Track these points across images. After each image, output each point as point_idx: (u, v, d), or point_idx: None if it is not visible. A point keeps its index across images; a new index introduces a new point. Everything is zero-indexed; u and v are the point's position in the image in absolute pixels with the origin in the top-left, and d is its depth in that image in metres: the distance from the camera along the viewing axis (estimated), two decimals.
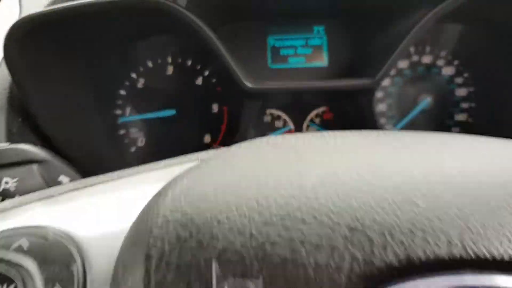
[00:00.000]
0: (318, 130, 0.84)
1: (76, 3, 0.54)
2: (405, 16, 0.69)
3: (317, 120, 0.87)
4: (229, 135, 0.84)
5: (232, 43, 0.76)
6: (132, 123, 0.84)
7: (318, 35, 0.84)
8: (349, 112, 0.79)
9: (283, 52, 0.85)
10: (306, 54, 0.85)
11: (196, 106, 0.84)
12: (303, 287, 0.17)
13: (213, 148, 0.82)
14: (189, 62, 0.84)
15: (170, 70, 0.84)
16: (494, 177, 0.21)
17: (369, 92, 0.72)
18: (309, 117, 0.86)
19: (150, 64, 0.84)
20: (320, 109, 0.86)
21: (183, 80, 0.84)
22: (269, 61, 0.84)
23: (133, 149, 0.84)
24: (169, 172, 0.29)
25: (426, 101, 0.82)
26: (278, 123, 0.86)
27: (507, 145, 0.25)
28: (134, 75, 0.84)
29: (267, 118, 0.85)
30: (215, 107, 0.86)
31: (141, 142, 0.85)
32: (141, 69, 0.84)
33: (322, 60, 0.85)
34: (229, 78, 0.69)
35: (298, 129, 0.85)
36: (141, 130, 0.84)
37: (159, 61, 0.83)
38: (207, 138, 0.85)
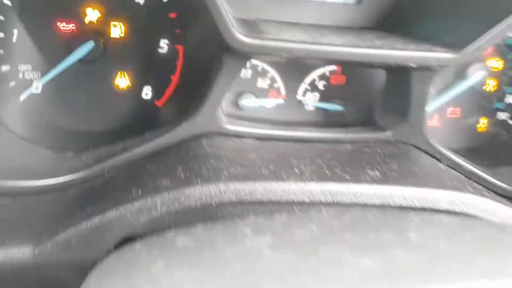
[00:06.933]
0: (317, 102, 0.72)
1: None
2: None
3: (320, 84, 0.71)
4: (181, 91, 0.67)
5: None
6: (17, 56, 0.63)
7: None
8: (395, 88, 0.65)
9: None
10: None
11: (132, 38, 0.65)
12: None
13: (154, 110, 0.68)
14: None
15: None
16: None
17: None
18: (309, 78, 0.70)
19: None
20: (327, 69, 0.70)
21: None
22: None
23: (23, 96, 0.64)
24: None
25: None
26: (262, 82, 0.69)
27: None
28: None
29: (247, 73, 0.68)
30: (163, 45, 0.66)
31: (36, 88, 0.65)
32: None
33: None
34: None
35: (291, 96, 0.70)
36: (36, 69, 0.64)
37: None
38: (146, 93, 0.68)
